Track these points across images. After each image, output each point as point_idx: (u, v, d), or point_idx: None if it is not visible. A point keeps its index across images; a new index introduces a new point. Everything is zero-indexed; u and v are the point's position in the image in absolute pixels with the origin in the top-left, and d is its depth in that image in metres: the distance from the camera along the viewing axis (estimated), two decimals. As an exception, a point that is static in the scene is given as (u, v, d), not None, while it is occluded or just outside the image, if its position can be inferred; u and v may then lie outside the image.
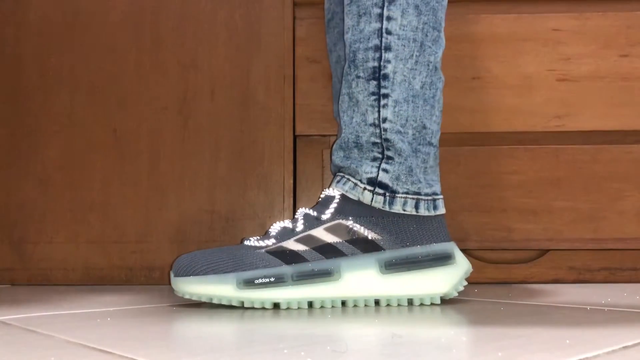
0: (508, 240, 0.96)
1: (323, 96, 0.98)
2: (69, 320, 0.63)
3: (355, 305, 0.73)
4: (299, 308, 0.72)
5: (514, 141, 0.97)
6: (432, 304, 0.74)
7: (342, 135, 0.78)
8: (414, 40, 0.75)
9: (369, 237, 0.74)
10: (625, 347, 0.48)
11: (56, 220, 0.98)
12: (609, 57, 0.97)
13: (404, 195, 0.75)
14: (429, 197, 0.76)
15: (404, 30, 0.74)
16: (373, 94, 0.75)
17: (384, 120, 0.75)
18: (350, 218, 0.74)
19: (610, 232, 0.95)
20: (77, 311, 0.69)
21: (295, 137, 0.99)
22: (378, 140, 0.75)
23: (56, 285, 0.97)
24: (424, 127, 0.76)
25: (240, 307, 0.72)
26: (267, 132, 0.98)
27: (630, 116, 0.96)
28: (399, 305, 0.73)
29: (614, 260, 0.97)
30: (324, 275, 0.72)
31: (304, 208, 0.77)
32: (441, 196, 0.77)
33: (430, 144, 0.76)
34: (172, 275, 0.74)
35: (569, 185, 0.96)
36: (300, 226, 0.74)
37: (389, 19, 0.74)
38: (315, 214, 0.75)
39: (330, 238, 0.73)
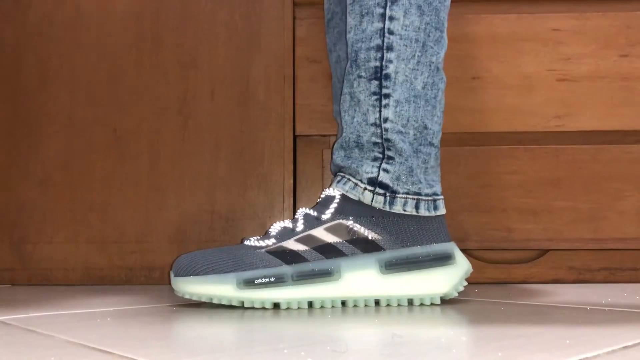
0: (508, 240, 0.96)
1: (323, 96, 0.98)
2: (69, 320, 0.63)
3: (355, 305, 0.73)
4: (299, 308, 0.72)
5: (513, 141, 0.97)
6: (432, 304, 0.74)
7: (343, 134, 0.78)
8: (416, 40, 0.75)
9: (369, 237, 0.74)
10: (625, 347, 0.48)
11: (56, 220, 0.98)
12: (609, 57, 0.97)
13: (405, 196, 0.75)
14: (430, 198, 0.76)
15: (406, 30, 0.74)
16: (374, 93, 0.75)
17: (385, 120, 0.74)
18: (351, 218, 0.74)
19: (610, 232, 0.95)
20: (77, 311, 0.69)
21: (295, 137, 0.99)
22: (379, 140, 0.75)
23: (56, 285, 0.97)
24: (425, 128, 0.76)
25: (240, 307, 0.72)
26: (267, 132, 0.98)
27: (630, 116, 0.96)
28: (399, 305, 0.73)
29: (614, 260, 0.97)
30: (324, 275, 0.72)
31: (304, 208, 0.77)
32: (442, 197, 0.77)
33: (431, 144, 0.76)
34: (172, 275, 0.74)
35: (569, 185, 0.96)
36: (300, 226, 0.74)
37: (391, 18, 0.74)
38: (315, 213, 0.75)
39: (330, 238, 0.73)
